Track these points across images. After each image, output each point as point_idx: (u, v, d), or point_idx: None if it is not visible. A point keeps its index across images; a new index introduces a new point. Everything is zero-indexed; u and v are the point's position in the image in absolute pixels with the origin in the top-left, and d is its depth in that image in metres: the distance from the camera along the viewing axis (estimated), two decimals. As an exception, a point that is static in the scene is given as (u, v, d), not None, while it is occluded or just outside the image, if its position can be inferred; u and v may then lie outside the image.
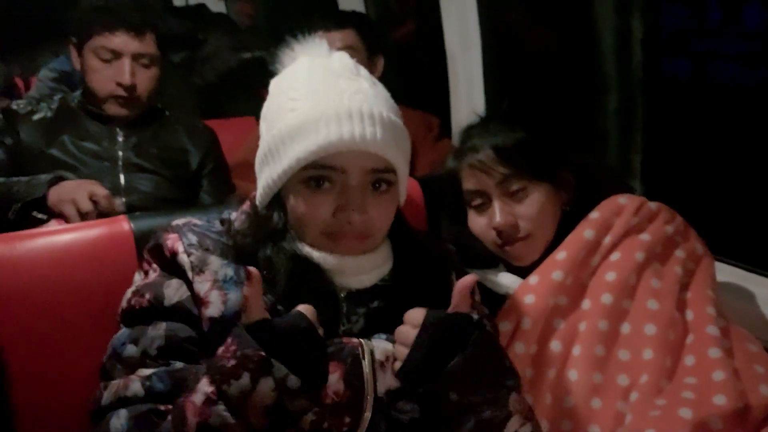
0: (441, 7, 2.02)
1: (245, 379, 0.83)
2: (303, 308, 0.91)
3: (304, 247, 0.99)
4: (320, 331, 0.92)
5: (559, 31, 2.11)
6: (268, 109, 1.03)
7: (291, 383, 0.85)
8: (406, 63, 2.57)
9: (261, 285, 0.89)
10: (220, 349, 0.87)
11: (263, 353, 0.84)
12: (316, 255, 0.99)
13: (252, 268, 0.89)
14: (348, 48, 2.07)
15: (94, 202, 1.51)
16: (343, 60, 1.01)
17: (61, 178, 1.60)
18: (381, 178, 0.98)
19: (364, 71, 1.02)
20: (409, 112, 2.31)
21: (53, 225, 1.48)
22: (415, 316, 0.95)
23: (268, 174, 1.00)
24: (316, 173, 0.96)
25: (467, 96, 2.04)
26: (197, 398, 0.84)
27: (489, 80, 2.00)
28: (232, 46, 3.00)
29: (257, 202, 1.04)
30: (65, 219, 1.50)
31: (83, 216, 1.48)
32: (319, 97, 0.96)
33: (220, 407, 0.83)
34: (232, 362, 0.84)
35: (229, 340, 0.87)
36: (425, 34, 2.34)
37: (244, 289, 0.88)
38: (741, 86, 1.73)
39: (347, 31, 2.10)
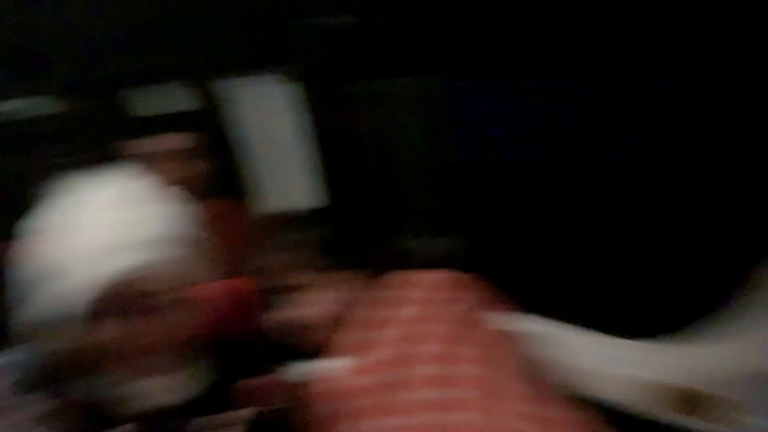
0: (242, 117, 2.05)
1: None
2: None
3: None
4: None
5: (354, 131, 2.27)
6: None
7: None
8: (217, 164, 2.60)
9: None
10: None
11: None
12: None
13: None
14: (173, 150, 2.03)
15: None
16: (119, 190, 1.06)
17: None
18: (161, 299, 1.02)
19: (141, 196, 1.07)
20: (218, 204, 2.29)
21: None
22: None
23: None
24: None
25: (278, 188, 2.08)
26: None
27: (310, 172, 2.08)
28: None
29: None
30: None
31: None
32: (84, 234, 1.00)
33: None
34: None
35: None
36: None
37: None
38: (526, 162, 1.91)
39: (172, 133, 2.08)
